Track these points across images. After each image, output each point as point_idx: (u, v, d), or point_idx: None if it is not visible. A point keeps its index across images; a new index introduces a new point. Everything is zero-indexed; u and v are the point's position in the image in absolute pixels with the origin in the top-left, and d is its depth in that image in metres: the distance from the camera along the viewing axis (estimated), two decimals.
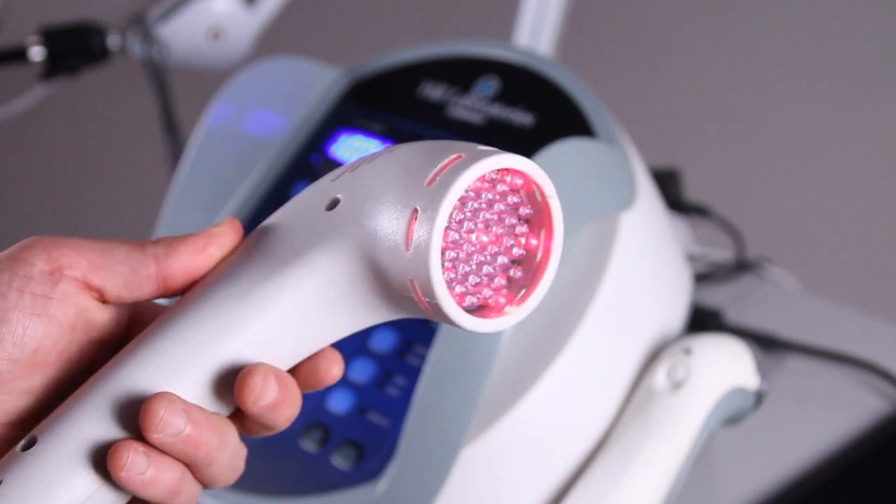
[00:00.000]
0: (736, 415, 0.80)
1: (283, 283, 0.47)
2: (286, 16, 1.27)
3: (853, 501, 0.90)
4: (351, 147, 0.90)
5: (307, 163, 0.91)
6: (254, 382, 0.46)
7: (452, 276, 0.45)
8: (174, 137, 1.19)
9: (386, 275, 0.45)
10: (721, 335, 0.81)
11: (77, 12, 1.22)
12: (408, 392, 0.77)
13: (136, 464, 0.44)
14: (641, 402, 0.78)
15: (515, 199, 0.46)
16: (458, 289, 0.46)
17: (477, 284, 0.46)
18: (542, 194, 0.46)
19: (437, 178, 0.44)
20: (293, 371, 0.49)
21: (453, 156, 0.45)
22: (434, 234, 0.44)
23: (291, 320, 0.47)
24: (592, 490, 0.75)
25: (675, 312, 0.85)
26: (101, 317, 0.48)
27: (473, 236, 0.46)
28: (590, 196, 0.77)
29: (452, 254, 0.45)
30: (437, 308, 0.45)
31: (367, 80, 0.93)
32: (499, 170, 0.45)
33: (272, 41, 1.27)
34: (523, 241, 0.47)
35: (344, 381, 0.80)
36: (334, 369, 0.49)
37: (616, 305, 0.78)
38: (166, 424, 0.44)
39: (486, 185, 0.46)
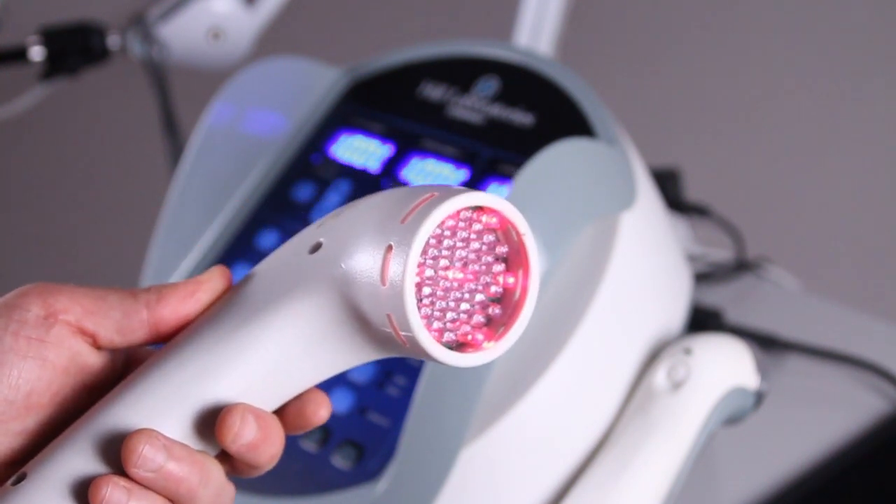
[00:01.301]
0: (736, 415, 0.80)
1: (265, 325, 0.48)
2: (286, 16, 1.27)
3: (853, 501, 0.90)
4: (351, 147, 0.90)
5: (307, 163, 0.91)
6: (231, 421, 0.47)
7: (429, 311, 0.46)
8: (174, 137, 1.19)
9: (365, 312, 0.46)
10: (721, 335, 0.81)
11: (77, 12, 1.22)
12: (408, 392, 0.77)
13: (114, 497, 0.45)
14: (641, 402, 0.78)
15: (491, 238, 0.47)
16: (436, 325, 0.47)
17: (455, 321, 0.47)
18: (517, 232, 0.47)
19: (411, 215, 0.45)
20: (280, 412, 0.50)
21: (427, 195, 0.46)
22: (408, 267, 0.45)
23: (274, 361, 0.48)
24: (592, 490, 0.75)
25: (675, 312, 0.85)
26: (94, 361, 0.49)
27: (450, 273, 0.47)
28: (590, 196, 0.77)
29: (429, 290, 0.46)
30: (413, 342, 0.46)
31: (367, 80, 0.93)
32: (474, 209, 0.46)
33: (272, 41, 1.27)
34: (501, 279, 0.48)
35: (344, 381, 0.80)
36: (321, 411, 0.51)
37: (616, 305, 0.78)
38: (146, 460, 0.45)
39: (462, 223, 0.47)
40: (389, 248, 0.45)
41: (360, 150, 0.90)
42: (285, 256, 0.50)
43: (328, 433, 0.79)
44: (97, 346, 0.49)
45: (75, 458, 0.46)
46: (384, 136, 0.90)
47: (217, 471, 0.48)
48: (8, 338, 0.47)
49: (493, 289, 0.47)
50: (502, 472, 0.76)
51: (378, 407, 0.78)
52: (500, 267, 0.47)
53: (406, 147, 0.88)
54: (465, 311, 0.47)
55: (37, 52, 1.17)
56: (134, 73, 1.27)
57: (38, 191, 2.00)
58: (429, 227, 0.45)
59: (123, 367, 0.51)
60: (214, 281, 0.51)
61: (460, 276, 0.47)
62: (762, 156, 1.81)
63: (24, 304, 0.48)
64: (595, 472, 0.76)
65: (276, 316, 0.48)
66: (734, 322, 1.00)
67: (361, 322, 0.47)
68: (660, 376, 0.78)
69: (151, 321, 0.49)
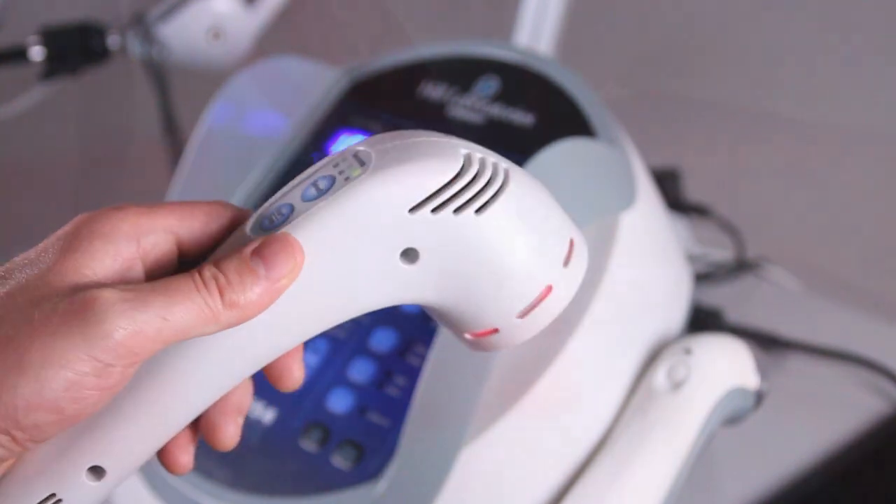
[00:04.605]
0: (736, 415, 0.80)
1: (349, 317, 0.46)
2: (286, 16, 1.27)
3: (853, 501, 0.90)
4: None
5: (307, 163, 0.91)
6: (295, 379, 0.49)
7: None
8: (174, 137, 1.19)
9: (461, 324, 0.46)
10: (721, 335, 0.81)
11: (77, 12, 1.22)
12: (408, 392, 0.77)
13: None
14: (641, 402, 0.78)
15: None
16: None
17: None
18: None
19: (573, 255, 0.46)
20: None
21: (568, 239, 0.47)
22: (556, 312, 0.45)
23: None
24: (592, 490, 0.75)
25: (675, 312, 0.85)
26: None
27: None
28: (590, 196, 0.77)
29: None
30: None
31: (367, 80, 0.93)
32: None
33: (272, 41, 1.27)
34: None
35: (344, 381, 0.80)
36: None
37: (616, 305, 0.78)
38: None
39: None
40: (549, 288, 0.45)
41: None
42: (361, 254, 0.44)
43: (328, 433, 0.79)
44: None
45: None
46: None
47: None
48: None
49: None
50: (502, 472, 0.76)
51: (378, 407, 0.78)
52: None
53: None
54: None
55: (37, 52, 1.17)
56: (134, 73, 1.27)
57: (38, 191, 2.00)
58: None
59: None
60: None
61: None
62: (762, 156, 1.80)
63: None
64: (595, 473, 0.76)
65: (361, 310, 0.46)
66: (734, 322, 1.00)
67: (439, 315, 0.46)
68: (660, 376, 0.78)
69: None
